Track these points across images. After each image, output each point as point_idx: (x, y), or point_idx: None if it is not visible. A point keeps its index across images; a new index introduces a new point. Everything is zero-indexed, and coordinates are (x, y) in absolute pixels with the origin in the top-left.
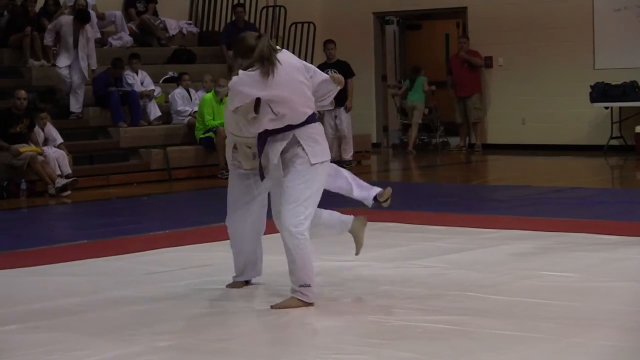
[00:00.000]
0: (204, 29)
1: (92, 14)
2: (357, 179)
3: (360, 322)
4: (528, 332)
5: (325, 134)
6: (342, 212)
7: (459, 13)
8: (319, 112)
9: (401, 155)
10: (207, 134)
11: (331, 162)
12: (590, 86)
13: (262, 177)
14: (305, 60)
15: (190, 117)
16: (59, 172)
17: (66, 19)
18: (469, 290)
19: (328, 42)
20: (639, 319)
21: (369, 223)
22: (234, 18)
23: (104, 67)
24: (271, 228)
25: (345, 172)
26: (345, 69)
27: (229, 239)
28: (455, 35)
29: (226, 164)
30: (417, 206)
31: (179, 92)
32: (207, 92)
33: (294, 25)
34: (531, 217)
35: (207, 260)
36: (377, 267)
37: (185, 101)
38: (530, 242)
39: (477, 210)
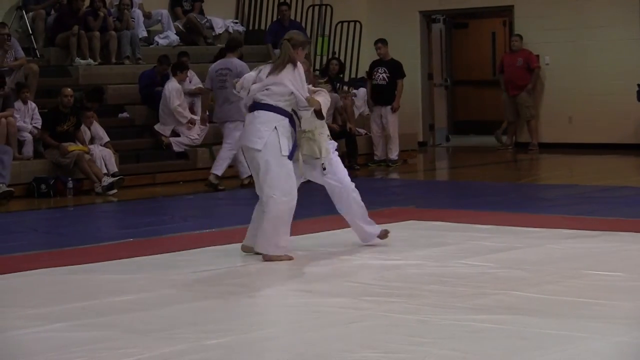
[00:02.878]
0: (250, 27)
1: (139, 12)
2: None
3: (406, 321)
4: (575, 332)
5: (372, 132)
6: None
7: (506, 11)
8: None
9: (447, 153)
10: None
11: (378, 161)
12: (638, 84)
13: None
14: (352, 59)
15: None
16: (105, 171)
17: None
18: (515, 289)
19: (377, 42)
20: None
21: (415, 222)
22: (279, 17)
23: (151, 65)
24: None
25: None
26: (395, 69)
27: None
28: (502, 33)
29: None
30: (464, 205)
31: None
32: None
33: (340, 24)
34: (578, 216)
35: (255, 259)
36: (423, 265)
37: None
38: (577, 241)
39: (524, 209)
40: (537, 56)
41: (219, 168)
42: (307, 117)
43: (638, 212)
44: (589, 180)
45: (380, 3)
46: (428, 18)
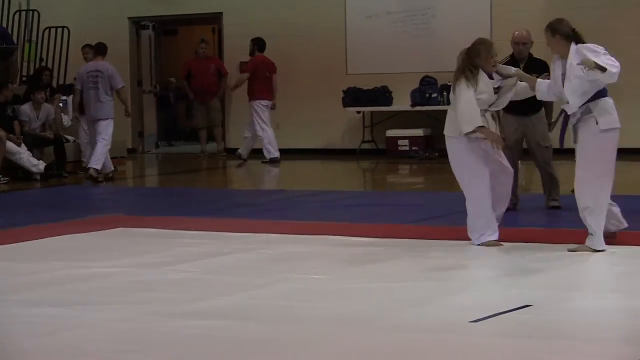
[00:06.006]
0: None
1: None
2: None
3: (117, 329)
4: (282, 335)
5: (80, 140)
6: None
7: (215, 18)
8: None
9: (157, 160)
10: None
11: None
12: (343, 91)
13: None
14: (60, 65)
15: None
16: None
17: None
18: (225, 295)
19: (84, 47)
20: (391, 318)
21: (124, 229)
22: None
23: None
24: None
25: None
26: None
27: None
28: (212, 40)
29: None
30: (173, 211)
31: None
32: None
33: (47, 30)
34: (287, 220)
35: None
36: (134, 273)
37: None
38: (285, 246)
39: (233, 214)
40: (246, 63)
41: (98, 162)
42: None
43: (342, 216)
44: (297, 185)
45: (89, 9)
46: (137, 24)
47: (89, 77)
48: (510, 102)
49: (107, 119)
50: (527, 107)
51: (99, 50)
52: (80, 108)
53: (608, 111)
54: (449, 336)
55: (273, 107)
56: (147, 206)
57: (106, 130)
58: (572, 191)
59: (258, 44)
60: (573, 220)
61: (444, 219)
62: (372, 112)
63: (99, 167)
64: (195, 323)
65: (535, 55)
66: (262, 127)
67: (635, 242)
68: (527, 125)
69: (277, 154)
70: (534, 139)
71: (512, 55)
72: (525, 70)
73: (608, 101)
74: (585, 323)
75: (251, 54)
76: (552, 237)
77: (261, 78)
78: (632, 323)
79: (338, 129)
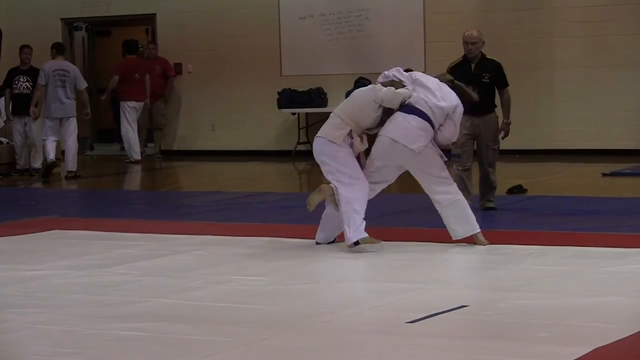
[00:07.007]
0: None
1: None
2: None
3: (51, 332)
4: (220, 337)
5: (14, 141)
6: None
7: (148, 20)
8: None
9: (92, 162)
10: None
11: (21, 170)
12: (278, 92)
13: None
14: None
15: None
16: None
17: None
18: (161, 297)
19: (24, 47)
20: (328, 319)
21: (59, 231)
22: None
23: None
24: None
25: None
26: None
27: None
28: (145, 41)
29: None
30: (109, 213)
31: None
32: None
33: None
34: (222, 222)
35: None
36: (68, 275)
37: None
38: (222, 248)
39: (169, 216)
40: (180, 64)
41: (75, 162)
42: None
43: (280, 218)
44: (233, 187)
45: (21, 9)
46: (70, 25)
47: (56, 75)
48: (464, 103)
49: (74, 117)
50: (479, 107)
51: (60, 49)
52: (14, 109)
53: None
54: (386, 337)
55: (146, 106)
56: (82, 208)
57: (74, 128)
58: (507, 192)
59: (127, 46)
60: (508, 221)
61: (378, 220)
62: (307, 114)
63: (75, 166)
64: (131, 325)
65: (488, 56)
66: (126, 127)
67: (571, 243)
68: (477, 126)
69: (138, 157)
70: (484, 140)
71: (464, 56)
72: (476, 69)
73: None
74: (520, 323)
75: (123, 56)
76: (486, 238)
77: (130, 80)
78: (565, 323)
79: (273, 131)
